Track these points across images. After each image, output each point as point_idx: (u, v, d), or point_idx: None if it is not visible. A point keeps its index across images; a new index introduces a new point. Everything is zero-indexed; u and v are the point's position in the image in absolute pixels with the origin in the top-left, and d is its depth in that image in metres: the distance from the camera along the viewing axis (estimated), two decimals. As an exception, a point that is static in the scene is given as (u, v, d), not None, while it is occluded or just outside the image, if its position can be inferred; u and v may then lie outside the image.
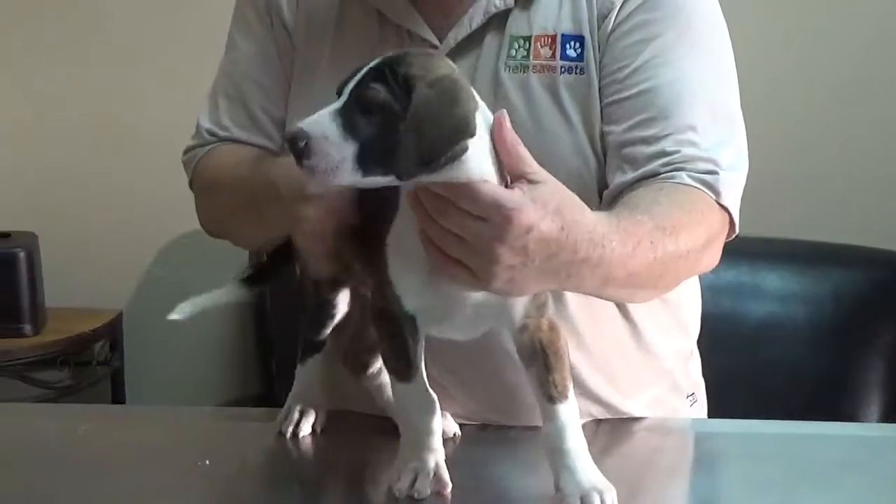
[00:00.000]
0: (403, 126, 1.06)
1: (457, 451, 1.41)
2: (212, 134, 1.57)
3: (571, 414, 1.18)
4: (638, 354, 1.52)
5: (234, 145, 1.56)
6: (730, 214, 1.39)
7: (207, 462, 1.36)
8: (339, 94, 1.11)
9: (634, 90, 1.41)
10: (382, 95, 1.08)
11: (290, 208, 1.30)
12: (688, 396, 1.62)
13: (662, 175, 1.37)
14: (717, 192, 1.37)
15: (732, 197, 1.40)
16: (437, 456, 1.25)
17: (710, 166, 1.38)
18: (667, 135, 1.39)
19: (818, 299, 2.08)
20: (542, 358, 1.17)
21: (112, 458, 1.43)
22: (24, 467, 1.41)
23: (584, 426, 1.47)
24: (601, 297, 1.35)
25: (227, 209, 1.51)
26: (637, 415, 1.54)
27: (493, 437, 1.46)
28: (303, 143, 1.08)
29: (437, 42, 1.46)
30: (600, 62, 1.43)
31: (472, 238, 1.12)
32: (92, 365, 3.09)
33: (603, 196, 1.42)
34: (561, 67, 1.43)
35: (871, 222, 2.84)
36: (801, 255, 2.21)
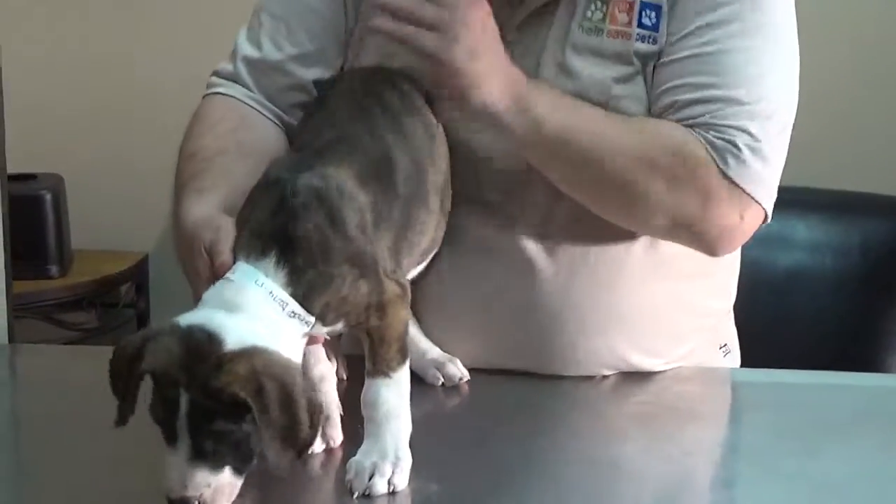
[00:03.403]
0: (264, 438, 1.06)
1: (474, 396, 1.42)
2: (247, 61, 1.50)
3: (388, 390, 1.17)
4: (678, 316, 1.50)
5: (217, 115, 1.47)
6: (747, 193, 1.37)
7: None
8: (166, 429, 1.08)
9: (682, 54, 1.39)
10: (229, 436, 1.06)
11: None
12: (721, 347, 1.60)
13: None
14: (724, 162, 1.36)
15: (750, 174, 1.37)
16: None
17: (733, 138, 1.36)
18: (702, 101, 1.37)
19: (846, 249, 2.07)
20: (368, 339, 1.17)
21: (139, 397, 1.43)
22: (51, 408, 1.42)
23: (607, 375, 1.48)
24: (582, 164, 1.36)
25: None
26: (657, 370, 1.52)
27: (508, 384, 1.46)
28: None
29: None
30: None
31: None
32: (118, 307, 3.11)
33: None
34: (636, 35, 1.40)
35: (900, 172, 2.82)
36: (829, 205, 2.19)
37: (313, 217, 1.12)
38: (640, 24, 1.40)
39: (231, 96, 1.50)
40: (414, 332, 1.41)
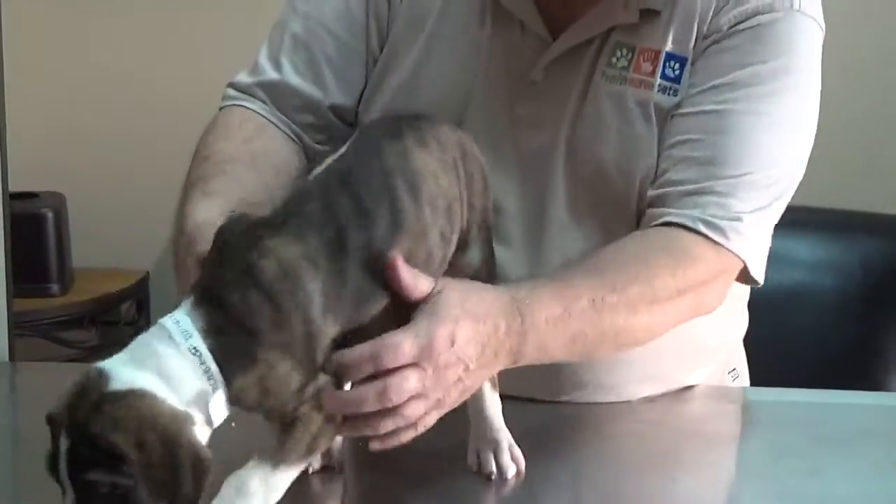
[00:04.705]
0: (140, 494, 0.95)
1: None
2: (265, 82, 1.47)
3: (258, 480, 1.06)
4: (692, 353, 1.49)
5: (232, 128, 1.42)
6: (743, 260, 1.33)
7: (233, 424, 1.36)
8: (52, 473, 0.98)
9: (697, 108, 1.35)
10: (107, 489, 0.95)
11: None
12: (729, 372, 1.60)
13: (670, 214, 1.32)
14: (726, 237, 1.31)
15: (748, 245, 1.33)
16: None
17: (731, 211, 1.31)
18: (706, 164, 1.33)
19: (847, 268, 2.07)
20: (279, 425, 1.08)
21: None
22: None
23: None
24: (580, 359, 1.32)
25: None
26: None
27: (509, 402, 1.45)
28: None
29: (550, 39, 1.40)
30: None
31: (413, 390, 1.07)
32: (119, 325, 3.11)
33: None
34: (658, 86, 1.37)
35: (901, 191, 2.82)
36: (830, 224, 2.19)
37: (247, 293, 1.02)
38: (664, 75, 1.37)
39: (248, 108, 1.47)
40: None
